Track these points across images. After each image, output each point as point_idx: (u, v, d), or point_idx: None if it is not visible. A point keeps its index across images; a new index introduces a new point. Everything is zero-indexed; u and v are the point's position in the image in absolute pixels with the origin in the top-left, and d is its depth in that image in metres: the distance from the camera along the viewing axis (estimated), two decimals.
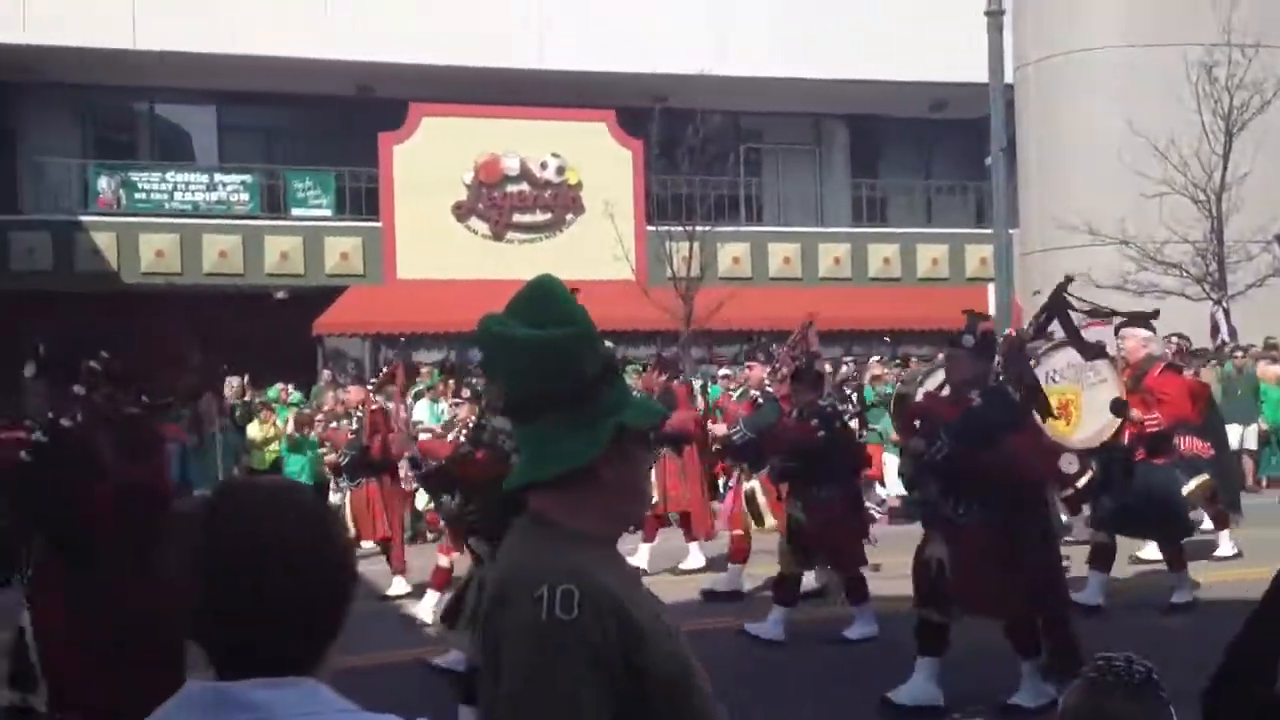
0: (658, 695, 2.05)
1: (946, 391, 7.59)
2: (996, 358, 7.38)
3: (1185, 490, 10.06)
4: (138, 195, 23.43)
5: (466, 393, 11.30)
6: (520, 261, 22.80)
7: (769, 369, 11.30)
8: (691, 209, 22.21)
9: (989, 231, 21.93)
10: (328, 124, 25.16)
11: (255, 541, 1.66)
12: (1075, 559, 9.65)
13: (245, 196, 23.89)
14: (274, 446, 15.93)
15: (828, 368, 18.44)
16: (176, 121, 25.81)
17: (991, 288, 20.86)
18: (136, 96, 24.99)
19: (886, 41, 24.83)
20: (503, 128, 23.97)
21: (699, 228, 21.75)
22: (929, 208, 28.29)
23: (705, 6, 24.63)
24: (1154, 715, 2.39)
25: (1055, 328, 8.28)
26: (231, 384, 16.86)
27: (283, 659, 1.68)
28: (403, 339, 23.08)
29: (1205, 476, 10.98)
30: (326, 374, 16.15)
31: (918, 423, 7.66)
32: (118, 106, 25.41)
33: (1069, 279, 8.14)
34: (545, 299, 2.16)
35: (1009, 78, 21.70)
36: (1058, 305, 7.52)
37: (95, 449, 6.40)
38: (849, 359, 20.01)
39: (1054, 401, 8.29)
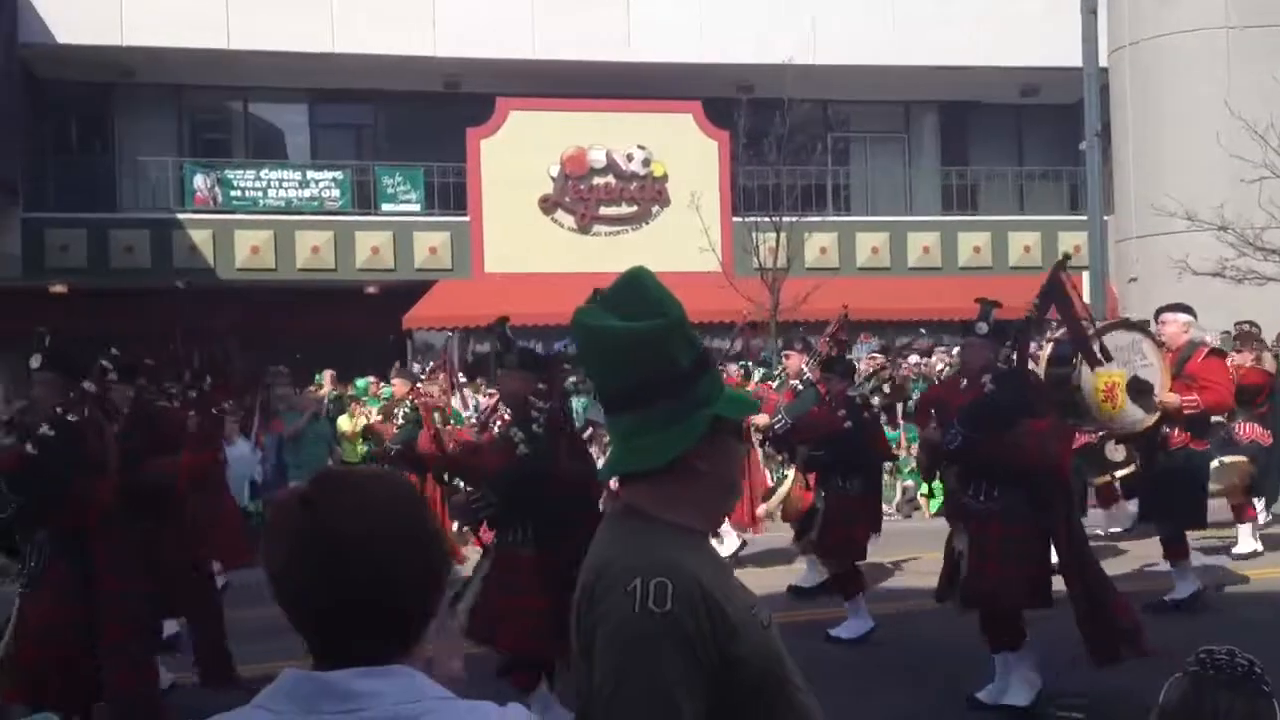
0: (751, 687, 2.05)
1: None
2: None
3: (1216, 464, 9.82)
4: (233, 193, 23.86)
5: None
6: (606, 254, 22.91)
7: (806, 358, 11.23)
8: (778, 199, 22.09)
9: (1083, 218, 21.60)
10: (416, 120, 25.42)
11: (353, 530, 1.67)
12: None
13: (337, 193, 24.23)
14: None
15: (914, 358, 18.28)
16: (270, 120, 26.24)
17: (1086, 275, 20.52)
18: (231, 96, 25.47)
19: (978, 27, 24.52)
20: (589, 121, 24.04)
21: (785, 218, 21.64)
22: (1021, 194, 27.85)
23: None
24: (1257, 708, 2.35)
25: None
26: (324, 377, 17.15)
27: (379, 648, 1.69)
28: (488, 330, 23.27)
29: (1243, 458, 10.68)
30: (396, 366, 16.35)
31: (932, 412, 7.59)
32: (213, 106, 25.91)
33: (1066, 257, 8.02)
34: (638, 291, 2.15)
35: (1103, 61, 21.33)
36: (1054, 287, 7.31)
37: (100, 444, 6.33)
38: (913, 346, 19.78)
39: (1100, 384, 8.35)
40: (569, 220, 24.19)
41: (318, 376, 17.33)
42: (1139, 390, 8.59)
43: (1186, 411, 8.96)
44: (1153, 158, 22.20)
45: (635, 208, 24.44)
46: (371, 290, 24.62)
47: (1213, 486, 9.71)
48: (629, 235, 24.19)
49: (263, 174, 24.12)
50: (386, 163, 24.90)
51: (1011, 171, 27.76)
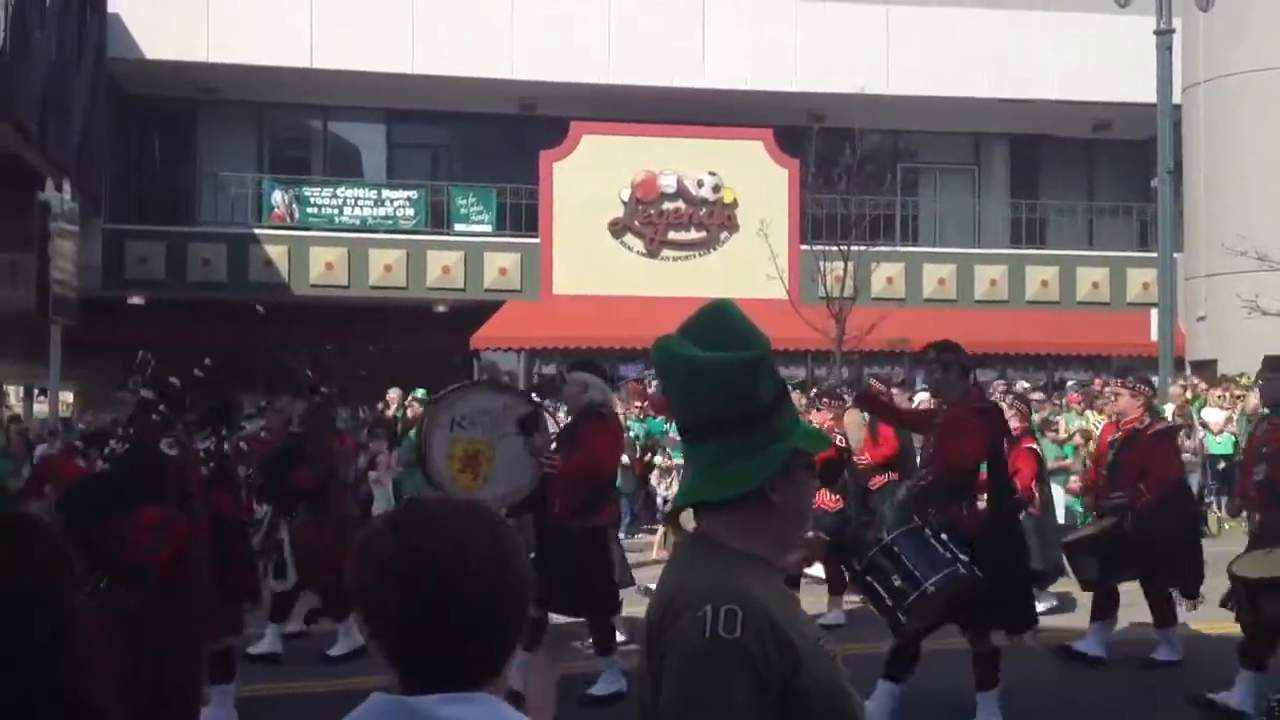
0: (815, 718, 2.07)
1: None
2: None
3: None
4: (309, 210, 24.26)
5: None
6: (673, 279, 23.06)
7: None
8: (846, 228, 22.13)
9: (1153, 255, 21.43)
10: (491, 141, 25.75)
11: (443, 557, 1.69)
12: None
13: (411, 212, 24.56)
14: None
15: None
16: (348, 138, 26.70)
17: (1154, 313, 20.39)
18: (311, 114, 25.94)
19: (1051, 61, 24.48)
20: (661, 146, 24.22)
21: (853, 247, 21.67)
22: (1090, 229, 27.67)
23: (866, 26, 24.60)
24: None
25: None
26: (391, 395, 17.31)
27: (465, 673, 1.71)
28: (557, 353, 23.51)
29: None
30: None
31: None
32: (293, 124, 26.41)
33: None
34: (724, 322, 2.18)
35: (1177, 98, 21.21)
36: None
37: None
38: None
39: (459, 451, 7.66)
40: (638, 244, 24.36)
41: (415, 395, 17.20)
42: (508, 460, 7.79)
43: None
44: (1224, 195, 22.04)
45: (704, 233, 24.58)
46: (441, 309, 24.92)
47: None
48: (697, 260, 24.32)
49: (339, 192, 24.52)
50: (460, 183, 25.23)
51: (1081, 206, 27.60)
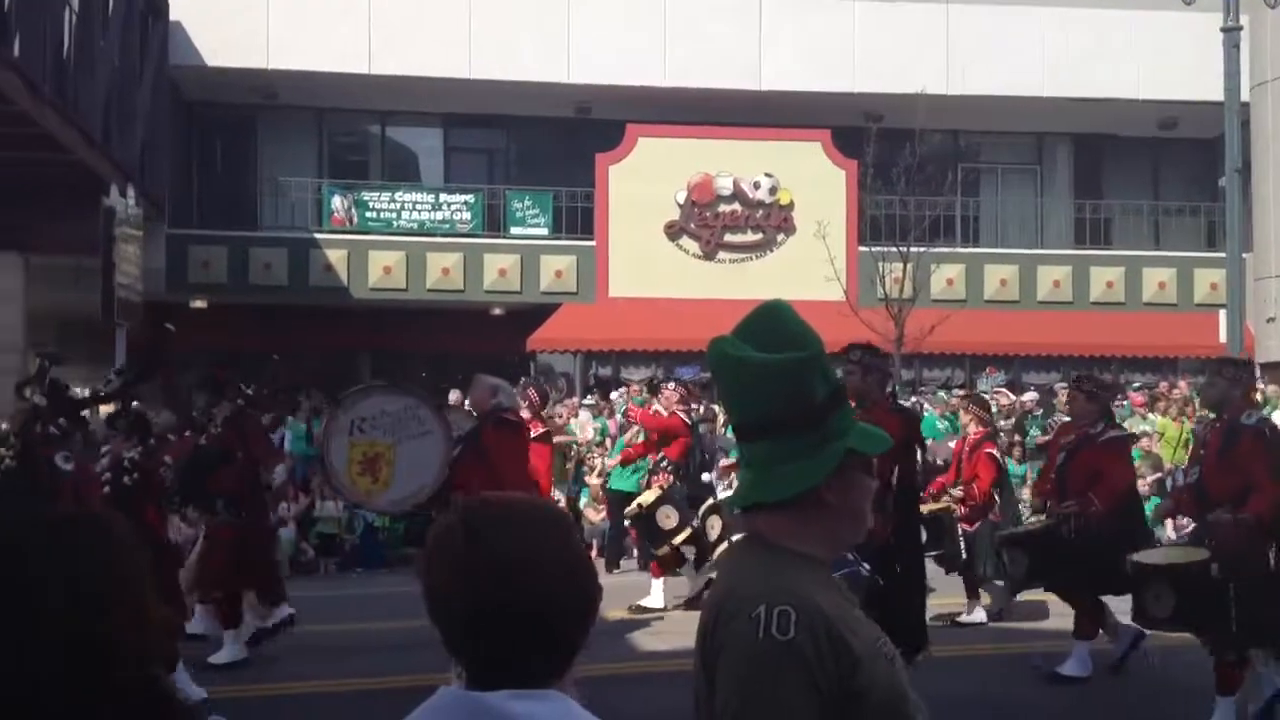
0: None
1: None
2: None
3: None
4: (368, 214, 24.44)
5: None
6: (730, 281, 22.97)
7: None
8: (905, 229, 21.94)
9: (1220, 255, 21.05)
10: (547, 145, 25.81)
11: (515, 555, 1.72)
12: None
13: (468, 215, 24.67)
14: None
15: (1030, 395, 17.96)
16: (405, 143, 26.88)
17: (1222, 314, 20.03)
18: (369, 119, 26.14)
19: (1115, 59, 24.14)
20: (717, 148, 24.14)
21: (912, 248, 21.47)
22: (1156, 230, 27.25)
23: (924, 26, 24.37)
24: None
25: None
26: (452, 398, 17.37)
27: (534, 670, 1.73)
28: (613, 355, 23.50)
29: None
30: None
31: None
32: (352, 129, 26.63)
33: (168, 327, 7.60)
34: (778, 323, 2.18)
35: (1245, 96, 20.82)
36: (157, 351, 6.73)
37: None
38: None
39: (358, 455, 7.60)
40: (694, 247, 24.29)
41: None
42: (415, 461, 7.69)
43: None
44: None
45: (760, 235, 24.46)
46: (497, 312, 25.00)
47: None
48: (753, 263, 24.21)
49: (397, 196, 24.68)
50: (517, 187, 25.31)
51: (1147, 206, 27.19)
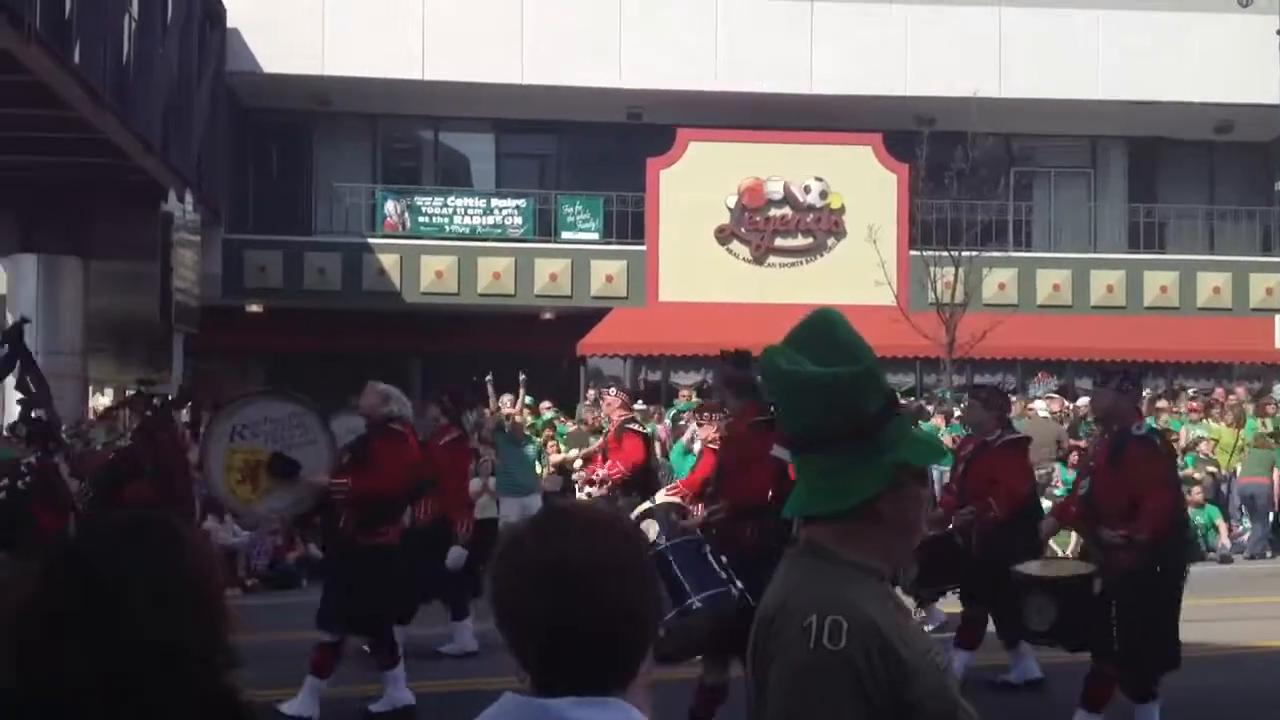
0: None
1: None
2: None
3: None
4: (421, 219, 24.62)
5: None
6: (780, 285, 22.96)
7: None
8: (957, 233, 21.83)
9: (1276, 259, 20.85)
10: (598, 150, 25.89)
11: (584, 563, 1.73)
12: None
13: (519, 220, 24.80)
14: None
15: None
16: (458, 148, 27.06)
17: (1278, 319, 19.83)
18: (423, 125, 26.34)
19: (1171, 62, 23.90)
20: (767, 152, 24.13)
21: (964, 252, 21.36)
22: (1211, 234, 26.94)
23: (977, 29, 24.25)
24: None
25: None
26: (504, 401, 17.44)
27: (598, 677, 1.74)
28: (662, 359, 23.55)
29: None
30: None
31: None
32: (405, 135, 26.84)
33: (24, 320, 7.42)
34: (830, 333, 2.19)
35: None
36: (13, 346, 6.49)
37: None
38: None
39: (238, 462, 7.44)
40: (744, 251, 24.29)
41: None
42: (283, 470, 7.53)
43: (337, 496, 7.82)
44: None
45: (811, 239, 24.42)
46: (548, 316, 25.12)
47: None
48: (804, 267, 24.17)
49: (449, 201, 24.85)
50: (568, 192, 25.42)
51: (1202, 210, 26.89)
